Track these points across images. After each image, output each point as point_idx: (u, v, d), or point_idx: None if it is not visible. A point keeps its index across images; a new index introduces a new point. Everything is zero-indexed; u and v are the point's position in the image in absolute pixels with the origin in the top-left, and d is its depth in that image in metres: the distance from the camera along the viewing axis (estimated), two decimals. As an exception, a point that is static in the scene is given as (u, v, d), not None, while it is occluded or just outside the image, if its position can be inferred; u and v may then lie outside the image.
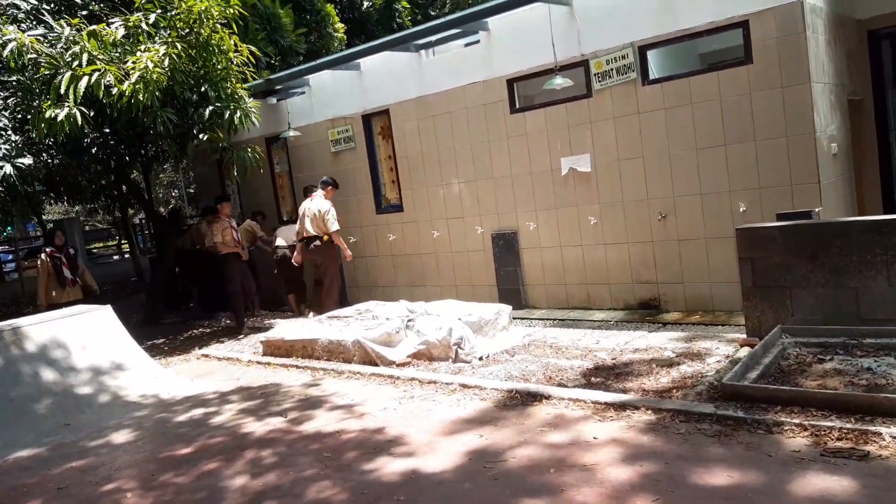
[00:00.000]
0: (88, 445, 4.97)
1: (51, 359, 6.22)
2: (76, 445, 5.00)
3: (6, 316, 14.73)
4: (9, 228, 30.44)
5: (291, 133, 9.84)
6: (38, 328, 6.40)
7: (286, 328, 6.99)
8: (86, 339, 6.57)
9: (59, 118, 7.31)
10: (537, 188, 7.82)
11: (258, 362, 6.75)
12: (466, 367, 5.80)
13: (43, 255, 8.79)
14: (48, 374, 6.06)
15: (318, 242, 8.94)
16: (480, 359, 5.95)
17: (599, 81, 7.19)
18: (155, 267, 11.99)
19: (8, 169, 6.91)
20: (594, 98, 7.26)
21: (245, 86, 9.03)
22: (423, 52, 8.61)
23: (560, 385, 4.91)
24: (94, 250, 25.44)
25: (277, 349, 6.78)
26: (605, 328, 6.76)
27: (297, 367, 6.32)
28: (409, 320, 6.44)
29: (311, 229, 8.59)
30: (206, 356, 7.42)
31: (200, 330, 9.77)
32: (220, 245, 8.98)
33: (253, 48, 8.84)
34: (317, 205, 8.53)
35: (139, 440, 4.95)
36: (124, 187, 17.62)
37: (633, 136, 7.05)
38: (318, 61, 9.63)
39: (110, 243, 28.42)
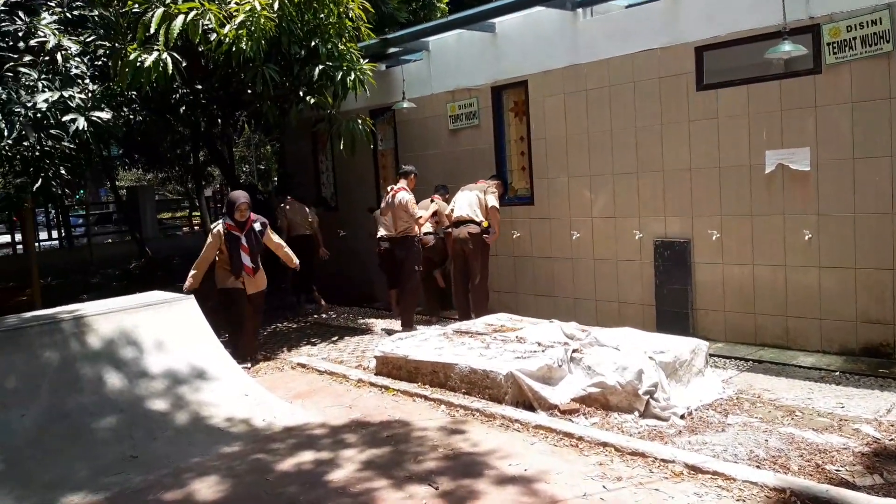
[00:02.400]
0: (162, 500, 3.60)
1: (119, 359, 4.92)
2: (144, 497, 3.64)
3: (73, 288, 13.82)
4: (80, 192, 30.35)
5: (406, 104, 8.39)
6: (105, 318, 5.11)
7: (408, 344, 5.52)
8: (162, 335, 5.26)
9: (147, 64, 6.03)
10: (727, 188, 6.14)
11: (371, 383, 5.30)
12: (663, 426, 4.22)
13: (218, 228, 6.36)
14: (114, 380, 4.76)
15: (431, 236, 7.56)
16: (682, 417, 4.36)
17: (834, 53, 5.46)
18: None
19: (81, 123, 5.66)
20: (824, 75, 5.53)
21: (357, 45, 7.63)
22: (580, 10, 7.01)
23: (846, 484, 3.29)
24: (164, 220, 24.75)
25: (396, 369, 5.32)
26: (827, 381, 5.05)
27: (426, 398, 4.84)
28: (574, 351, 4.89)
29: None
30: (303, 367, 6.03)
31: (286, 324, 8.44)
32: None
33: (366, 4, 7.42)
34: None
35: (231, 500, 3.56)
36: (202, 155, 16.65)
37: (880, 128, 5.31)
38: (447, 19, 8.17)
39: (179, 214, 27.83)
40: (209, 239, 6.29)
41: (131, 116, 7.13)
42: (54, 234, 20.34)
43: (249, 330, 6.53)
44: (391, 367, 5.35)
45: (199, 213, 21.83)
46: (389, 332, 7.29)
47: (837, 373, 5.19)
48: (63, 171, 6.12)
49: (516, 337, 5.34)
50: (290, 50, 6.95)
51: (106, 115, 5.84)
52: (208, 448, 4.28)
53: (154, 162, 15.96)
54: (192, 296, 5.78)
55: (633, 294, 6.89)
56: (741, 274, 6.13)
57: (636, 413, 4.40)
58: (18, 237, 17.96)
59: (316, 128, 8.56)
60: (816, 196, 5.66)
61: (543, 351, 4.92)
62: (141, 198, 19.17)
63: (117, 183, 25.87)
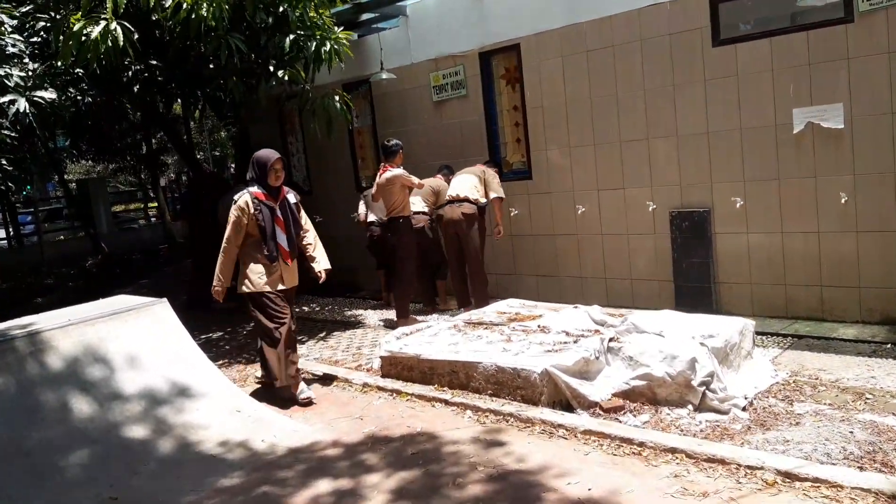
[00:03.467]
0: (155, 556, 2.96)
1: (86, 381, 4.21)
2: (133, 551, 3.00)
3: (26, 291, 12.76)
4: (27, 188, 28.67)
5: (385, 75, 7.69)
6: (65, 332, 4.39)
7: (417, 341, 4.91)
8: (134, 348, 4.56)
9: (93, 36, 5.23)
10: (750, 151, 5.65)
11: (380, 388, 4.69)
12: (725, 420, 3.72)
13: (245, 199, 4.66)
14: (82, 406, 4.06)
15: (424, 217, 6.96)
16: (744, 409, 3.87)
17: (868, 0, 4.98)
18: (199, 235, 9.94)
19: (22, 104, 4.85)
20: (857, 24, 5.05)
21: (328, 12, 6.90)
22: (577, -36, 6.41)
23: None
24: (119, 213, 23.49)
25: (407, 370, 4.71)
26: (882, 355, 4.62)
27: (448, 402, 4.26)
28: (611, 340, 4.36)
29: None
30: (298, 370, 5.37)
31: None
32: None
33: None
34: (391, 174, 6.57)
35: (239, 549, 2.94)
36: (154, 142, 15.56)
37: (922, 78, 4.87)
38: (426, -21, 7.45)
39: (133, 206, 26.51)
40: (232, 215, 4.64)
41: (79, 97, 6.28)
42: (1, 233, 19.01)
43: (288, 339, 4.79)
44: (401, 368, 4.74)
45: (155, 204, 20.73)
46: (389, 325, 6.68)
47: (889, 345, 4.77)
48: (4, 163, 5.29)
49: (538, 326, 4.79)
50: (255, 17, 6.18)
51: (50, 94, 5.04)
52: (202, 481, 3.63)
53: (103, 152, 14.86)
54: (165, 299, 5.07)
55: (647, 270, 6.39)
56: (769, 243, 5.67)
57: (689, 407, 3.89)
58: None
59: (286, 105, 7.81)
60: (851, 155, 5.20)
61: (575, 342, 4.38)
62: (92, 191, 17.98)
63: (66, 176, 24.50)
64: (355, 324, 7.05)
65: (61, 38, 5.32)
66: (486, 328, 4.94)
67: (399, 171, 6.52)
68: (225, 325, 7.68)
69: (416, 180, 6.53)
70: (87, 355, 4.36)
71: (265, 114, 9.68)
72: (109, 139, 11.84)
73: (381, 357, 4.93)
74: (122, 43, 5.29)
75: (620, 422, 3.80)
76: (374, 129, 8.54)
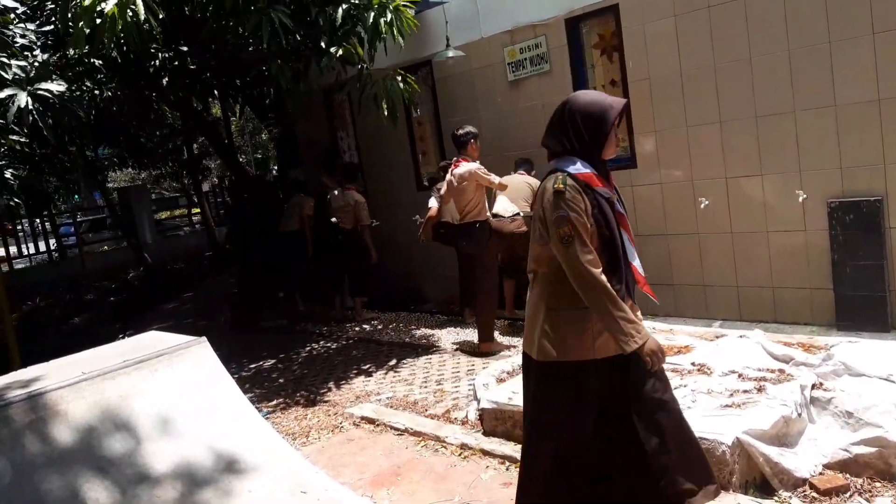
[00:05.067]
0: None
1: (103, 458, 3.18)
2: None
3: (62, 312, 11.92)
4: (75, 197, 28.41)
5: (451, 53, 6.54)
6: (76, 392, 3.36)
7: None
8: (166, 406, 3.52)
9: (108, 11, 4.21)
10: (946, 120, 4.34)
11: (484, 452, 3.56)
12: None
13: (569, 183, 2.39)
14: (99, 495, 3.02)
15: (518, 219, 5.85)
16: None
17: None
18: (248, 246, 8.95)
19: (23, 100, 3.86)
20: None
21: (384, -20, 5.79)
22: None
23: None
24: (163, 221, 22.92)
25: (522, 428, 3.55)
26: None
27: (587, 481, 3.10)
28: (814, 387, 3.14)
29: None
30: (371, 423, 4.26)
31: (322, 343, 6.72)
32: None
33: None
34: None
35: None
36: (196, 147, 14.74)
37: None
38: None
39: (178, 213, 25.96)
40: (567, 213, 2.35)
41: (96, 90, 5.29)
42: (44, 245, 18.52)
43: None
44: (511, 425, 3.59)
45: (198, 210, 20.02)
46: (473, 352, 5.54)
47: None
48: (9, 176, 4.33)
49: (694, 365, 3.58)
50: (303, -15, 5.13)
51: (58, 87, 4.06)
52: None
53: (142, 157, 14.10)
54: (204, 339, 4.02)
55: (795, 276, 5.11)
56: (976, 240, 4.36)
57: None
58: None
59: (340, 93, 6.74)
60: None
61: (759, 389, 3.17)
62: (134, 199, 17.32)
63: (109, 185, 24.05)
64: (428, 347, 5.93)
65: (71, 14, 4.31)
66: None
67: (474, 165, 5.39)
68: (277, 350, 6.67)
69: (495, 179, 5.38)
70: (105, 421, 3.32)
71: (312, 107, 8.67)
72: (141, 144, 10.92)
73: (480, 410, 3.77)
74: (143, 18, 4.26)
75: (855, 515, 2.59)
76: (437, 119, 7.41)
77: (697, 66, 5.31)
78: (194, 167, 16.78)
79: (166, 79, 5.68)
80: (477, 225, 5.46)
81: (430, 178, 7.54)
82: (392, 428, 4.08)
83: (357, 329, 7.03)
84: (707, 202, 5.44)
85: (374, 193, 8.19)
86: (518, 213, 5.84)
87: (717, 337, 4.04)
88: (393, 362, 5.67)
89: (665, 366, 3.40)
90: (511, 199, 6.01)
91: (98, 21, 4.33)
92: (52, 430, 3.18)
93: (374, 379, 5.31)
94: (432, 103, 7.43)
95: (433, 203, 6.55)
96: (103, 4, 4.23)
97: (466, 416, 4.00)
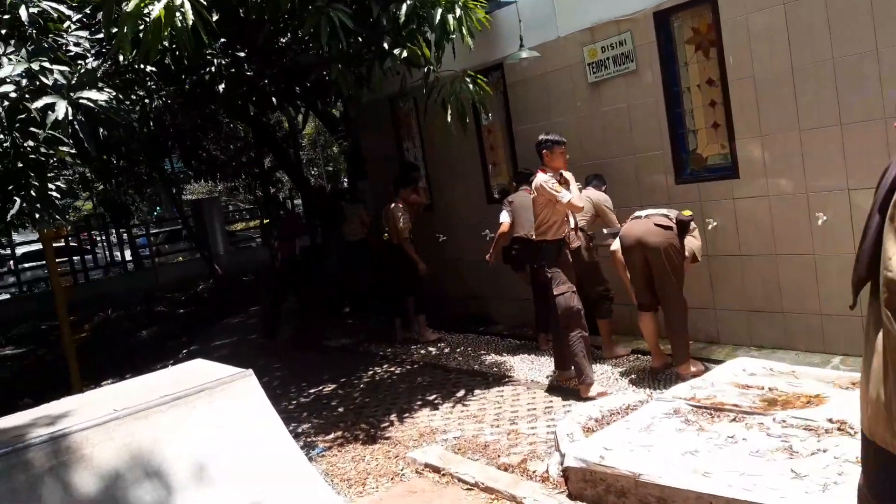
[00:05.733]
0: None
1: (129, 513, 2.79)
2: None
3: (132, 324, 11.96)
4: (157, 208, 29.27)
5: (525, 54, 6.01)
6: (105, 433, 2.99)
7: (619, 440, 3.15)
8: (205, 450, 3.12)
9: (154, 15, 3.89)
10: None
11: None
12: None
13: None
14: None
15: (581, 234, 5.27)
16: None
17: None
18: (312, 260, 8.66)
19: (62, 109, 3.57)
20: None
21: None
22: None
23: None
24: (236, 233, 23.21)
25: (616, 495, 2.94)
26: None
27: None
28: None
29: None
30: (437, 471, 3.73)
31: (386, 367, 6.27)
32: None
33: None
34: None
35: None
36: (269, 161, 14.72)
37: None
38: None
39: (252, 224, 26.33)
40: None
41: (146, 99, 5.03)
42: (121, 255, 18.97)
43: None
44: (603, 490, 2.99)
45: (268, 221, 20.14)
46: (556, 387, 4.95)
47: None
48: (52, 189, 4.06)
49: (832, 422, 2.90)
50: (365, -18, 4.71)
51: (101, 95, 3.77)
52: None
53: (212, 171, 14.17)
54: (250, 371, 3.62)
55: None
56: None
57: None
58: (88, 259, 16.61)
59: (405, 99, 6.30)
60: None
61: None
62: (206, 211, 17.51)
63: (189, 196, 24.58)
64: (500, 378, 5.38)
65: (116, 17, 4.02)
66: (734, 419, 3.10)
67: (543, 177, 4.78)
68: (338, 373, 6.27)
69: (564, 195, 4.65)
70: (134, 468, 2.94)
71: (377, 117, 8.30)
72: (213, 157, 10.89)
73: (566, 469, 3.18)
74: (191, 22, 3.91)
75: None
76: (509, 126, 6.88)
77: (813, 61, 4.59)
78: (266, 180, 16.81)
79: (222, 86, 5.38)
80: (544, 245, 4.89)
81: (501, 191, 7.02)
82: (460, 480, 3.54)
83: (423, 352, 6.55)
84: (825, 217, 4.69)
85: (441, 207, 7.72)
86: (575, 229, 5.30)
87: (854, 384, 3.32)
88: (461, 393, 5.15)
89: (796, 420, 2.76)
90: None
91: (143, 26, 4.03)
92: (74, 478, 2.82)
93: (440, 413, 4.80)
94: (504, 110, 6.91)
95: (504, 218, 6.03)
96: (150, 8, 3.92)
97: (547, 471, 3.42)
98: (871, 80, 4.35)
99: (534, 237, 5.04)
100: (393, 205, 6.83)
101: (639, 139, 5.71)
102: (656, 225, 4.77)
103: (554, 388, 4.97)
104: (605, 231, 5.52)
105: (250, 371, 3.62)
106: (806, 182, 4.77)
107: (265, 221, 14.41)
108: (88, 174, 16.33)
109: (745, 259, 5.20)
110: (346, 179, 21.23)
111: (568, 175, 4.85)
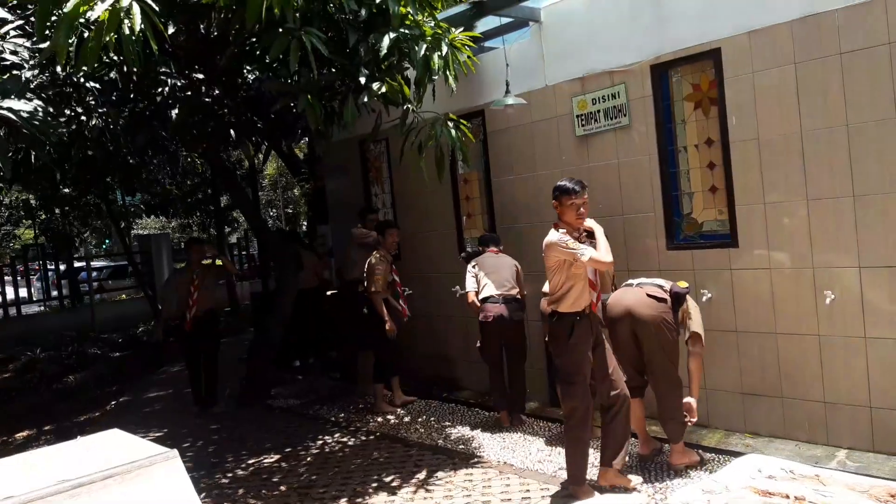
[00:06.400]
0: None
1: None
2: None
3: (60, 368, 10.74)
4: (106, 241, 27.99)
5: (511, 100, 5.60)
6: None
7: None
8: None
9: (96, 16, 3.34)
10: None
11: None
12: None
13: None
14: None
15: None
16: None
17: None
18: (265, 309, 7.96)
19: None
20: None
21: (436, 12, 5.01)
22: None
23: None
24: (185, 271, 22.13)
25: None
26: None
27: None
28: None
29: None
30: None
31: (337, 437, 5.58)
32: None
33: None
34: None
35: None
36: (224, 199, 14.07)
37: None
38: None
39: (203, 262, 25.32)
40: None
41: (83, 117, 4.38)
42: (58, 289, 17.78)
43: None
44: None
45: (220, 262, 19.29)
46: (536, 471, 4.34)
47: None
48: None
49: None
50: (342, 6, 4.24)
51: (25, 106, 3.16)
52: None
53: (163, 204, 13.42)
54: (175, 452, 2.93)
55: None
56: None
57: None
58: (12, 293, 15.44)
59: (375, 139, 5.81)
60: None
61: None
62: (155, 247, 16.59)
63: (138, 231, 23.54)
64: (468, 457, 4.75)
65: (50, 18, 3.44)
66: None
67: (556, 236, 3.94)
68: (283, 441, 5.56)
69: (583, 251, 3.80)
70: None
71: (345, 159, 7.80)
72: (167, 191, 10.22)
73: None
74: (139, 29, 3.35)
75: None
76: (488, 177, 6.43)
77: (826, 126, 4.25)
78: (221, 218, 16.08)
79: (175, 111, 4.79)
80: (554, 318, 3.97)
81: (467, 253, 6.42)
82: None
83: (380, 420, 5.89)
84: (833, 296, 4.28)
85: (410, 260, 7.16)
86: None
87: (892, 496, 2.83)
88: (423, 475, 4.50)
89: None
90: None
91: (86, 33, 3.46)
92: None
93: (398, 500, 4.14)
94: (483, 159, 6.46)
95: (470, 286, 5.55)
96: (92, 11, 3.35)
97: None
98: (889, 147, 4.01)
99: (546, 307, 4.24)
100: (374, 255, 6.26)
101: (629, 199, 5.30)
102: (649, 296, 4.28)
103: (529, 473, 4.37)
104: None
105: (175, 452, 2.93)
106: (812, 256, 4.37)
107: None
108: (33, 201, 15.47)
109: (742, 336, 4.75)
110: (304, 223, 20.59)
111: (592, 223, 4.01)
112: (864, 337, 4.20)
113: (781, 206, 4.49)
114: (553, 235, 3.93)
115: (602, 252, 3.85)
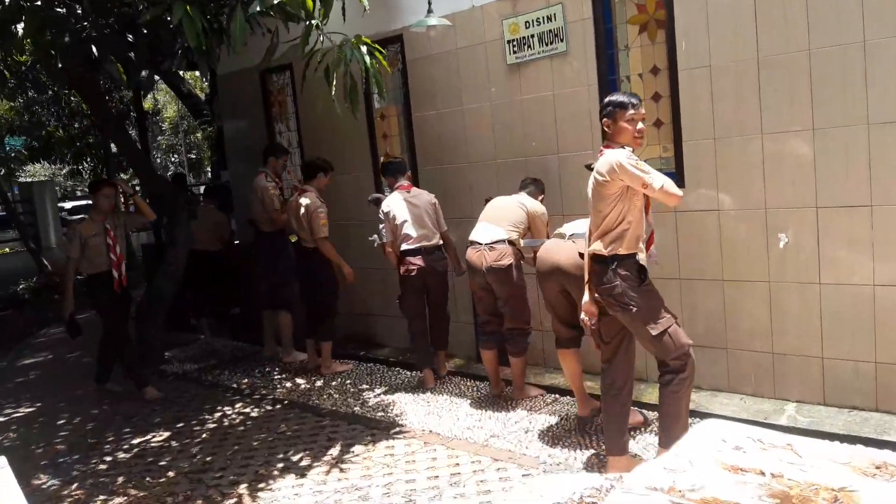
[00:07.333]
0: None
1: None
2: None
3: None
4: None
5: (434, 21, 4.90)
6: None
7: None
8: None
9: None
10: None
11: None
12: None
13: None
14: None
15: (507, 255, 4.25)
16: None
17: None
18: (157, 264, 7.01)
19: None
20: None
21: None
22: None
23: None
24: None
25: None
26: None
27: None
28: None
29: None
30: None
31: (238, 408, 4.91)
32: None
33: None
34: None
35: None
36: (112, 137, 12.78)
37: None
38: None
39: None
40: None
41: None
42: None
43: None
44: None
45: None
46: (466, 440, 3.84)
47: None
48: None
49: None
50: None
51: None
52: None
53: (46, 148, 11.97)
54: (3, 459, 2.23)
55: (916, 350, 3.64)
56: None
57: None
58: None
59: (271, 64, 5.00)
60: None
61: None
62: (38, 195, 15.00)
63: (21, 179, 21.41)
64: (388, 426, 4.21)
65: None
66: None
67: (621, 154, 3.18)
68: (175, 415, 4.84)
69: (655, 176, 3.12)
70: None
71: (243, 95, 6.91)
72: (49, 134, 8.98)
73: None
74: None
75: None
76: (408, 111, 5.73)
77: (785, 51, 3.81)
78: (110, 164, 14.63)
79: (21, 25, 3.82)
80: (615, 263, 3.19)
81: (376, 198, 5.58)
82: None
83: (288, 385, 5.25)
84: (787, 239, 3.93)
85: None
86: (502, 240, 4.30)
87: (878, 467, 2.46)
88: (337, 450, 3.92)
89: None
90: (495, 221, 4.45)
91: None
92: None
93: (308, 483, 3.56)
94: (402, 91, 5.75)
95: (384, 236, 4.94)
96: None
97: None
98: (855, 76, 3.61)
99: (591, 251, 3.36)
100: (307, 197, 5.47)
101: (565, 135, 4.76)
102: (581, 254, 3.75)
103: (458, 443, 3.89)
104: (522, 242, 4.51)
105: (3, 459, 2.23)
106: (766, 196, 3.98)
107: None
108: None
109: (686, 283, 4.37)
110: (209, 168, 19.22)
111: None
112: (819, 283, 3.87)
113: (733, 142, 4.06)
114: (618, 154, 3.13)
115: (670, 184, 3.13)
